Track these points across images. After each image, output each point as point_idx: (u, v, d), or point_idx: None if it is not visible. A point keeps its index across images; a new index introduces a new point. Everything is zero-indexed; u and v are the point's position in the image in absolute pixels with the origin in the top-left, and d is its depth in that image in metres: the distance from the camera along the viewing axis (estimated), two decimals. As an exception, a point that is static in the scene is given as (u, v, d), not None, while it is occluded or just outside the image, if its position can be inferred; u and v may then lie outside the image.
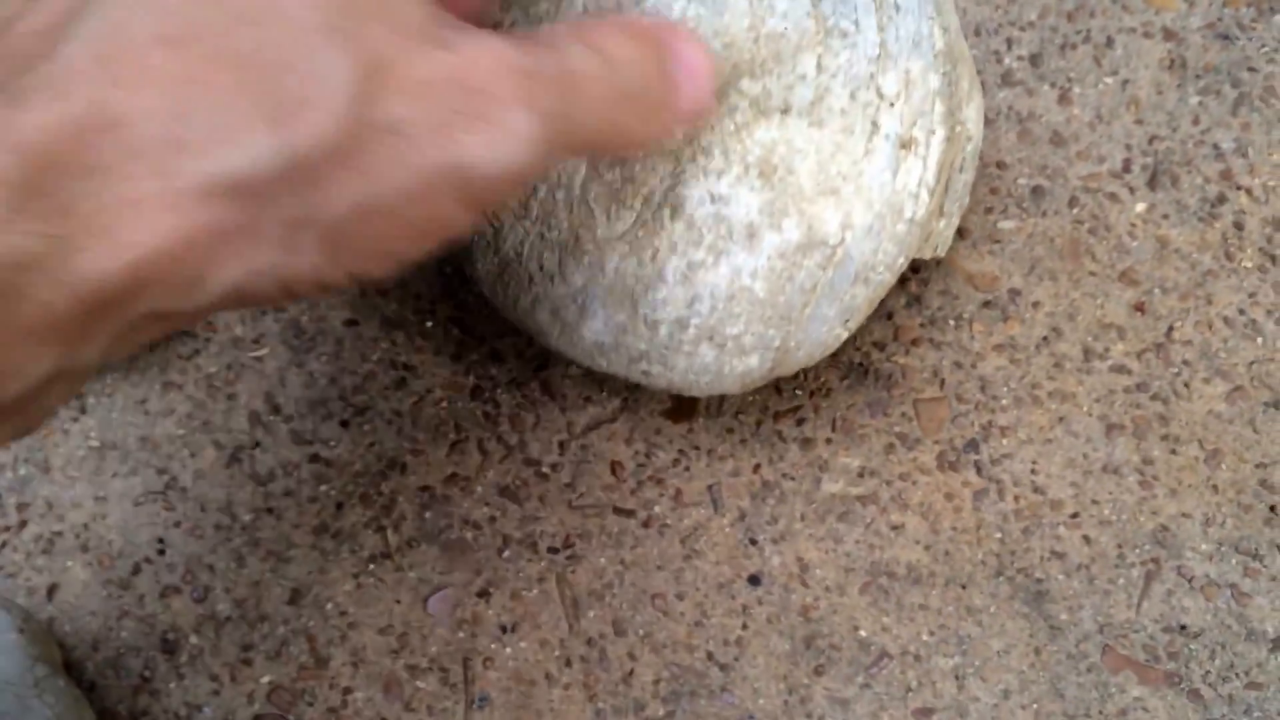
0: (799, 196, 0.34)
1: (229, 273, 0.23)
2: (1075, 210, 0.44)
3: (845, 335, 0.37)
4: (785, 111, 0.34)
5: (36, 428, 0.24)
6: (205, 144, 0.21)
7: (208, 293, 0.23)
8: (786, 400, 0.43)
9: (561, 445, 0.43)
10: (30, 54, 0.21)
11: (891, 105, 0.34)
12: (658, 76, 0.28)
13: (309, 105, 0.22)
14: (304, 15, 0.22)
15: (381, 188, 0.23)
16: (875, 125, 0.34)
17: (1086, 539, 0.41)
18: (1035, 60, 0.46)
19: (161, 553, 0.43)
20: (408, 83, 0.23)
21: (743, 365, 0.36)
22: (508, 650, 0.41)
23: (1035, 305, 0.43)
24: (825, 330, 0.36)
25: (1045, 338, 0.43)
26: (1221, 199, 0.44)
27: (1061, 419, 0.42)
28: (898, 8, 0.35)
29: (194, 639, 0.42)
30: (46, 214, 0.20)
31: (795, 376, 0.43)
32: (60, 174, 0.20)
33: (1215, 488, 0.41)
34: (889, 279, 0.36)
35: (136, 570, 0.42)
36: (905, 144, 0.35)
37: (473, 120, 0.24)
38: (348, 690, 0.41)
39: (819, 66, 0.34)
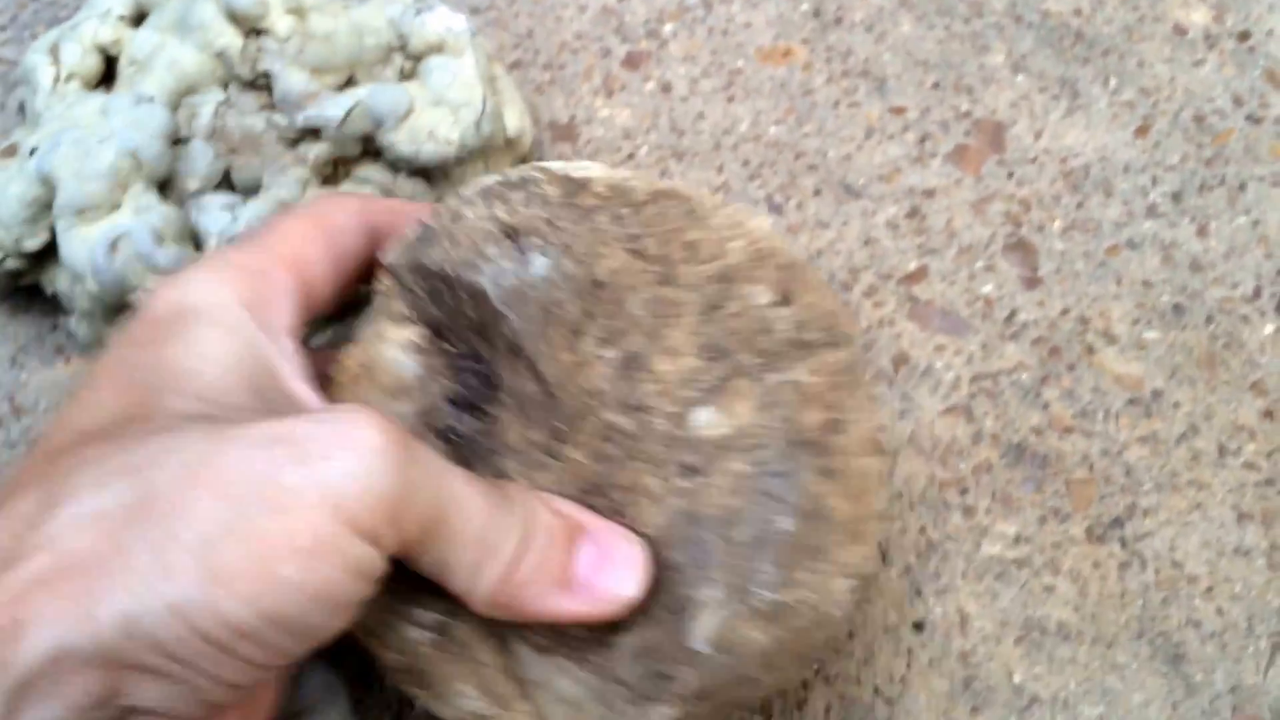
0: None
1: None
2: (1211, 326, 0.51)
3: None
4: None
5: None
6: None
7: None
8: (951, 471, 0.49)
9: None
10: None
11: None
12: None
13: None
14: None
15: None
16: None
17: (1219, 611, 0.46)
18: (1177, 197, 0.53)
19: None
20: None
21: None
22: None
23: (1175, 405, 0.49)
24: None
25: (1184, 434, 0.49)
26: (1343, 326, 0.50)
27: (1198, 505, 0.48)
28: None
29: None
30: None
31: (959, 452, 0.49)
32: None
33: (1337, 574, 0.46)
34: None
35: None
36: None
37: None
38: None
39: None
